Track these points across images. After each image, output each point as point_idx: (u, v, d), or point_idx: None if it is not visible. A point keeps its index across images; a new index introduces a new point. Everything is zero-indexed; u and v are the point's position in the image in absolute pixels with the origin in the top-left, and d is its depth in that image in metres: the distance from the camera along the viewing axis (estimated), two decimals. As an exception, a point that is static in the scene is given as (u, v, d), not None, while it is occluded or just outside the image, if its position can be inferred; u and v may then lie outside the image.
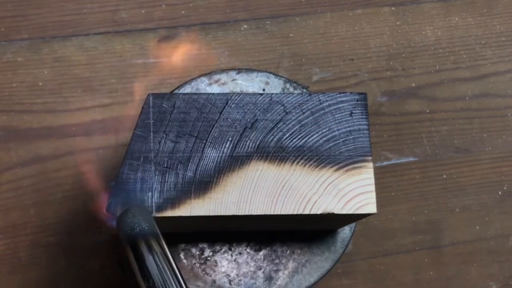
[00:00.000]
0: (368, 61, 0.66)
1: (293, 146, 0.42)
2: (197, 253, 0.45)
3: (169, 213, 0.40)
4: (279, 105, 0.42)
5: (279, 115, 0.42)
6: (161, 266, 0.36)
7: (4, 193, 0.58)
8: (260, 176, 0.41)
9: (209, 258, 0.45)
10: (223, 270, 0.45)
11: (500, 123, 0.67)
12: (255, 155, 0.42)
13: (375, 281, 0.62)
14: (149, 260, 0.36)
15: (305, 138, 0.42)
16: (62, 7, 0.63)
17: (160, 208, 0.40)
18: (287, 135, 0.42)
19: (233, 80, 0.49)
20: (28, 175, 0.59)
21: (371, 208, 0.41)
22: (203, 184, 0.41)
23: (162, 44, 0.63)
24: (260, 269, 0.46)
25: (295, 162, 0.42)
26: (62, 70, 0.61)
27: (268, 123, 0.42)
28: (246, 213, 0.41)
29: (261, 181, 0.41)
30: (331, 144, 0.42)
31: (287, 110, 0.42)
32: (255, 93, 0.43)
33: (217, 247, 0.46)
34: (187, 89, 0.48)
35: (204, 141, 0.42)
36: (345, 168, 0.42)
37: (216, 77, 0.49)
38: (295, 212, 0.41)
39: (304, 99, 0.43)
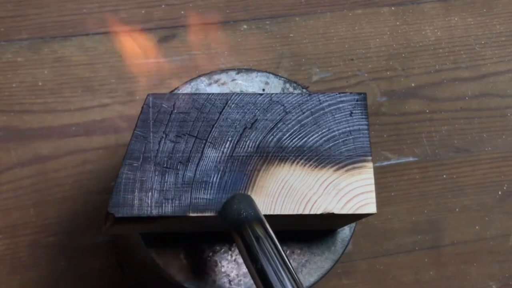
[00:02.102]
0: (368, 61, 0.66)
1: (293, 146, 0.42)
2: (197, 253, 0.45)
3: (169, 213, 0.40)
4: (279, 105, 0.42)
5: (279, 115, 0.42)
6: (268, 249, 0.37)
7: (4, 193, 0.58)
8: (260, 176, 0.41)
9: (209, 258, 0.45)
10: (223, 270, 0.45)
11: (500, 123, 0.67)
12: (255, 155, 0.42)
13: (375, 281, 0.62)
14: (257, 243, 0.37)
15: (305, 138, 0.42)
16: (62, 7, 0.63)
17: (159, 208, 0.40)
18: (287, 135, 0.42)
19: (233, 80, 0.49)
20: (28, 175, 0.59)
21: (371, 208, 0.41)
22: (202, 184, 0.41)
23: (162, 44, 0.63)
24: (260, 269, 0.46)
25: (295, 162, 0.42)
26: (62, 70, 0.61)
27: (268, 123, 0.42)
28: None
29: (261, 181, 0.41)
30: (331, 144, 0.42)
31: (287, 110, 0.42)
32: (255, 93, 0.43)
33: (217, 247, 0.46)
34: (186, 89, 0.48)
35: (204, 141, 0.42)
36: (345, 168, 0.42)
37: (215, 77, 0.49)
38: (295, 212, 0.41)
39: (304, 99, 0.43)
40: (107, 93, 0.61)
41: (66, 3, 0.63)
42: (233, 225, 0.39)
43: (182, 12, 0.64)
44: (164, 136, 0.41)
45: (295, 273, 0.37)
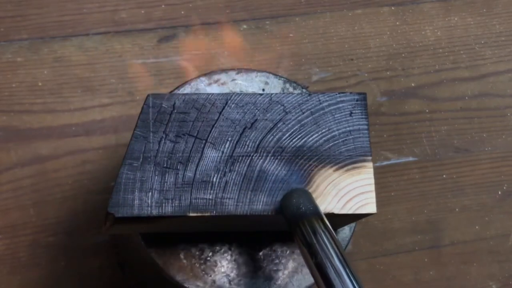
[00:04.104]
0: (368, 61, 0.66)
1: (292, 146, 0.42)
2: (197, 253, 0.45)
3: (169, 213, 0.40)
4: (279, 105, 0.43)
5: (279, 115, 0.42)
6: (326, 244, 0.37)
7: (4, 193, 0.58)
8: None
9: (209, 258, 0.45)
10: (223, 270, 0.45)
11: (500, 123, 0.67)
12: (255, 155, 0.42)
13: (375, 281, 0.62)
14: (315, 237, 0.37)
15: (305, 138, 0.42)
16: (62, 7, 0.63)
17: (159, 208, 0.40)
18: (287, 135, 0.42)
19: (233, 80, 0.49)
20: (28, 175, 0.59)
21: (371, 208, 0.41)
22: (202, 184, 0.41)
23: (162, 44, 0.63)
24: (260, 269, 0.46)
25: (295, 162, 0.42)
26: (61, 70, 0.61)
27: (268, 123, 0.42)
28: (246, 213, 0.41)
29: (261, 181, 0.41)
30: (330, 144, 0.42)
31: (287, 110, 0.42)
32: (255, 93, 0.43)
33: (217, 247, 0.46)
34: (186, 89, 0.48)
35: (204, 141, 0.42)
36: (345, 168, 0.42)
37: (215, 77, 0.49)
38: (295, 212, 0.41)
39: (304, 99, 0.43)
40: (107, 93, 0.61)
41: (66, 3, 0.63)
42: (292, 219, 0.39)
43: (182, 12, 0.64)
44: (164, 136, 0.41)
45: (353, 269, 0.37)
